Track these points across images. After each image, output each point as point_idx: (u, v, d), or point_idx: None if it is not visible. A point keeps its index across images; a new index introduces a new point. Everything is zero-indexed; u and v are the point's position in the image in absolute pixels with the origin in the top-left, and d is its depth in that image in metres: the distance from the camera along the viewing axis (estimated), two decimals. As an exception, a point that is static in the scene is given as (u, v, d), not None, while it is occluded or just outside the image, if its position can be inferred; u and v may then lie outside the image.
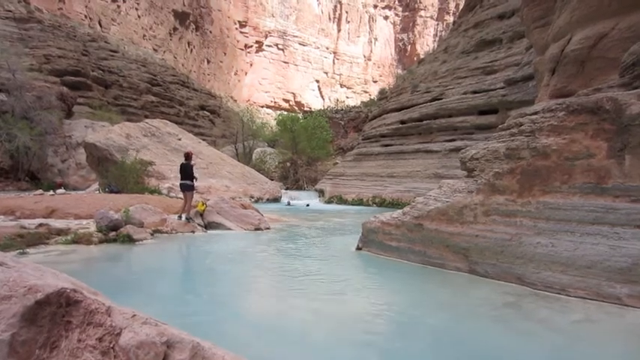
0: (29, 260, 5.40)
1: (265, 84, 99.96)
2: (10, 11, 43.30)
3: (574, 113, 5.48)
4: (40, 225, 9.26)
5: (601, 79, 7.23)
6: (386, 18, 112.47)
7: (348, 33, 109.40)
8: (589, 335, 4.18)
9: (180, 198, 13.43)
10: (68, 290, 1.74)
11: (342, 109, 59.04)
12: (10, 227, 8.97)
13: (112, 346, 1.70)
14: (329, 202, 26.47)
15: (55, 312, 1.68)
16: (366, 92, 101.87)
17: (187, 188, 11.39)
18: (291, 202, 24.39)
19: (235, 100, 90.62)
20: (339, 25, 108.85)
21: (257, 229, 11.65)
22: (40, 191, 19.23)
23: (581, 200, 5.34)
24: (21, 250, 7.39)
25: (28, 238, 8.11)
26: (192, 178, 11.45)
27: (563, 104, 5.66)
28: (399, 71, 79.97)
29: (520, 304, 5.02)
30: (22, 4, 50.60)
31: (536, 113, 6.00)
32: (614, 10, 7.41)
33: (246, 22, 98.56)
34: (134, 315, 1.83)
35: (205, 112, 61.64)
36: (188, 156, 11.83)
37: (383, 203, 22.98)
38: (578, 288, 5.15)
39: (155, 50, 75.28)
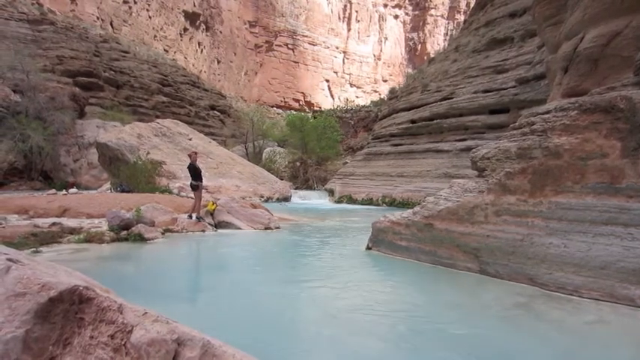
0: (43, 258, 5.48)
1: (275, 84, 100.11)
2: (23, 13, 43.90)
3: (587, 112, 5.41)
4: (53, 224, 9.39)
5: (614, 77, 7.13)
6: (396, 17, 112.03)
7: (358, 32, 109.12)
8: (602, 337, 4.13)
9: (191, 197, 13.51)
10: (81, 288, 1.76)
11: (352, 109, 58.95)
12: (24, 226, 9.11)
13: (123, 343, 1.72)
14: (339, 201, 26.44)
15: (67, 309, 1.70)
16: (375, 92, 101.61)
17: (195, 188, 11.45)
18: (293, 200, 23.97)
19: (245, 100, 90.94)
20: (348, 24, 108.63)
21: (267, 228, 11.68)
22: (52, 191, 19.48)
23: (594, 200, 5.27)
24: (35, 249, 7.50)
25: (41, 237, 8.23)
26: (198, 178, 11.40)
27: (576, 103, 5.59)
28: (409, 70, 79.52)
29: (531, 304, 4.97)
30: (35, 6, 51.44)
31: (548, 112, 5.94)
32: (627, 8, 7.30)
33: (256, 22, 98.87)
34: (145, 313, 1.85)
35: (215, 112, 61.86)
36: (191, 156, 11.77)
37: (393, 203, 22.88)
38: (591, 289, 5.08)
39: (166, 51, 75.87)
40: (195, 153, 12.16)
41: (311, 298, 5.38)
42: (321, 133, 36.45)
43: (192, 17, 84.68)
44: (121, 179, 18.34)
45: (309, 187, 32.14)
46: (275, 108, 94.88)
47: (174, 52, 79.16)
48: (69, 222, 10.09)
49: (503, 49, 23.98)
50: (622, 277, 4.86)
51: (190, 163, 11.49)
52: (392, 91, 42.06)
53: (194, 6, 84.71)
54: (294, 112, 59.09)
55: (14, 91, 29.08)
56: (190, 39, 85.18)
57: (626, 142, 5.08)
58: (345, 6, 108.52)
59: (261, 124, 48.15)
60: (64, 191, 19.61)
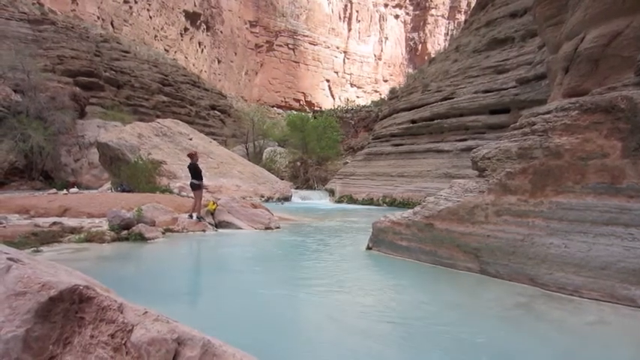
0: (43, 258, 5.49)
1: (276, 84, 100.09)
2: (24, 13, 43.91)
3: (588, 112, 5.41)
4: (54, 223, 9.40)
5: (615, 77, 7.12)
6: (397, 17, 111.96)
7: (359, 32, 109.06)
8: (602, 337, 4.12)
9: (192, 197, 13.51)
10: (81, 287, 1.76)
11: (353, 109, 58.96)
12: (24, 226, 9.12)
13: (123, 342, 1.72)
14: (339, 201, 26.44)
15: (68, 308, 1.70)
16: (376, 91, 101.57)
17: (195, 187, 11.45)
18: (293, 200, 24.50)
19: (246, 100, 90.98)
20: (349, 24, 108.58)
21: (267, 228, 11.68)
22: (53, 190, 19.51)
23: (595, 200, 5.27)
24: (35, 248, 7.50)
25: (42, 237, 8.23)
26: (198, 177, 11.39)
27: (577, 103, 5.59)
28: (410, 70, 79.48)
29: (532, 305, 4.97)
30: (36, 6, 51.47)
31: (549, 112, 5.94)
32: (628, 8, 7.29)
33: (256, 21, 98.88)
34: (146, 312, 1.85)
35: (216, 111, 61.83)
36: (192, 156, 11.76)
37: (393, 203, 22.87)
38: (592, 289, 5.08)
39: (166, 50, 75.85)
40: (196, 152, 12.16)
41: (311, 298, 5.37)
42: (321, 133, 36.47)
43: (192, 17, 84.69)
44: (121, 179, 18.35)
45: (310, 187, 32.14)
46: (275, 108, 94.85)
47: (175, 52, 79.17)
48: (69, 221, 10.10)
49: (504, 49, 23.96)
50: (622, 277, 4.86)
51: (191, 163, 11.48)
52: (392, 91, 42.03)
53: (194, 6, 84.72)
54: (295, 112, 59.09)
55: (15, 91, 29.07)
56: (191, 39, 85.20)
57: (626, 142, 5.08)
58: (346, 6, 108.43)
59: (262, 123, 48.22)
60: (64, 191, 19.64)
